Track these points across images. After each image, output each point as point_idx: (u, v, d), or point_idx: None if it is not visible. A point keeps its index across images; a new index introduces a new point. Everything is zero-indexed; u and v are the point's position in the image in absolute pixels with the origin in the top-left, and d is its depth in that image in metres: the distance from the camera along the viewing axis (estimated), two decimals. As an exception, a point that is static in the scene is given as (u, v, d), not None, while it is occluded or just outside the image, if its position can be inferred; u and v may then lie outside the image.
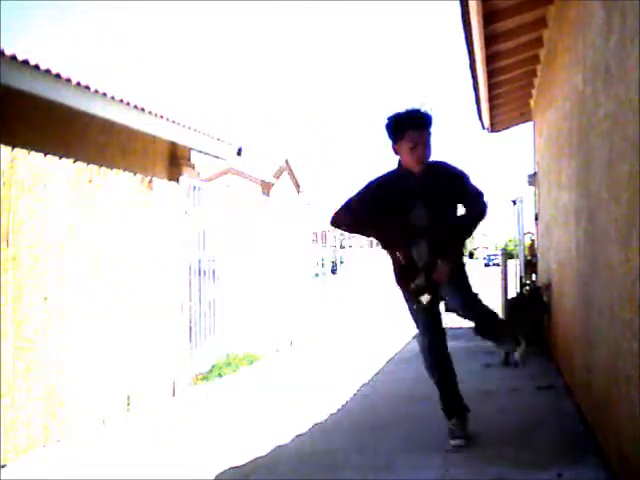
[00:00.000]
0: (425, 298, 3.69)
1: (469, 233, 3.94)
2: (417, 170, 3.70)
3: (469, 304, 3.84)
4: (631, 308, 2.60)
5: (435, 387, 3.91)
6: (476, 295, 3.87)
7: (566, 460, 3.38)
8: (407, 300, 3.84)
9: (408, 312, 3.86)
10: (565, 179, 4.99)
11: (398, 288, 3.85)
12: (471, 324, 3.95)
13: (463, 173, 3.85)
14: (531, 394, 5.03)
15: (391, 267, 3.84)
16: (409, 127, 3.64)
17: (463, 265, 3.91)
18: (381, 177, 3.82)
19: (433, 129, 3.71)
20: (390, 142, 3.74)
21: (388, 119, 3.73)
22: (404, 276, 3.74)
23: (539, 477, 3.20)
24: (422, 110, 3.69)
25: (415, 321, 3.87)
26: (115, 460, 3.80)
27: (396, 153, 3.74)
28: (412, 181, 3.71)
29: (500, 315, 3.85)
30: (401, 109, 3.71)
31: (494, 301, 8.77)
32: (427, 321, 3.80)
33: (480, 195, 3.86)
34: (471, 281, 3.88)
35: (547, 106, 6.49)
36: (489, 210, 3.88)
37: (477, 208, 3.86)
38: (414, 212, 3.68)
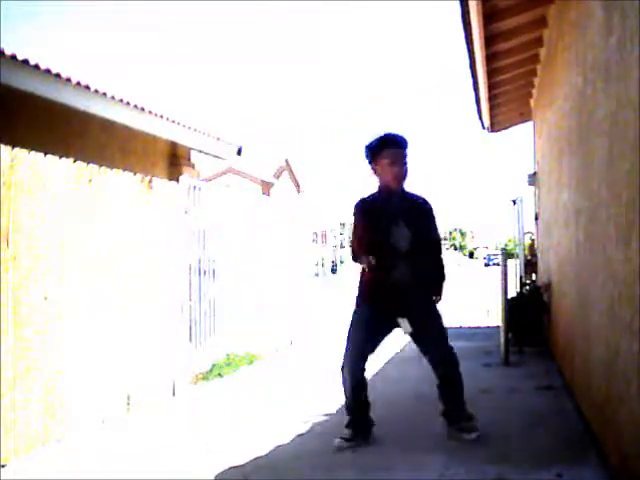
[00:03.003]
0: (405, 324, 3.80)
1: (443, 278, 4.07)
2: (395, 188, 3.86)
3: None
4: (631, 308, 2.60)
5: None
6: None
7: (566, 460, 3.39)
8: (356, 315, 3.91)
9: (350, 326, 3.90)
10: (565, 179, 4.99)
11: (357, 302, 3.94)
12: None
13: (433, 211, 4.03)
14: (531, 394, 5.03)
15: (359, 281, 3.98)
16: (387, 146, 3.86)
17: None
18: (365, 198, 3.96)
19: (409, 152, 3.91)
20: (369, 166, 3.93)
21: (368, 143, 3.92)
22: (373, 291, 3.85)
23: (539, 477, 3.21)
24: (398, 133, 3.93)
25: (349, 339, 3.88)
26: (115, 460, 3.80)
27: (375, 173, 3.92)
28: (393, 202, 3.86)
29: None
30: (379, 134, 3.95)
31: (494, 301, 8.81)
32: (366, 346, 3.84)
33: (440, 244, 4.11)
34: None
35: (547, 106, 6.49)
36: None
37: (440, 260, 4.05)
38: (395, 231, 3.80)
